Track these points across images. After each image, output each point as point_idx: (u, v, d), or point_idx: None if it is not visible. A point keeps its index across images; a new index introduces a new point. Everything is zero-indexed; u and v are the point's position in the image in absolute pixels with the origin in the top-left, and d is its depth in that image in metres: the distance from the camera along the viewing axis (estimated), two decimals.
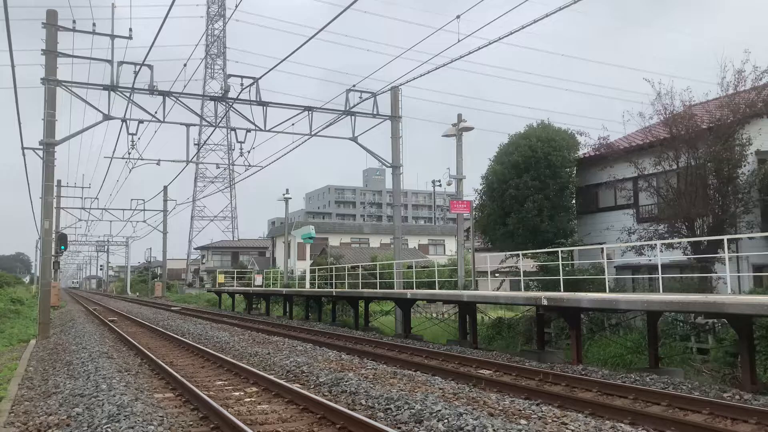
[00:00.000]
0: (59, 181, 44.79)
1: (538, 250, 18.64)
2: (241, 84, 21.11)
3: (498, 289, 23.45)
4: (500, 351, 15.96)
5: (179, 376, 10.64)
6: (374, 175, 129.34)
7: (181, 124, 22.86)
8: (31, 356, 15.21)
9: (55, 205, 34.74)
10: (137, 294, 77.87)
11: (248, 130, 22.77)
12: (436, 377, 11.19)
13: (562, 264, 15.73)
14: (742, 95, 16.77)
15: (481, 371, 12.20)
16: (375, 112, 23.60)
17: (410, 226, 68.15)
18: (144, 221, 56.08)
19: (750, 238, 15.78)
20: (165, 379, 11.24)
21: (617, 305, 12.17)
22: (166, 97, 21.31)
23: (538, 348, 14.92)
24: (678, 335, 14.96)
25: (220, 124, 48.19)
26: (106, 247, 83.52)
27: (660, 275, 13.16)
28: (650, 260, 17.17)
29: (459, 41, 16.10)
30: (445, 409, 7.79)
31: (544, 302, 13.01)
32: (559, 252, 15.92)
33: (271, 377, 10.62)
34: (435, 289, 21.20)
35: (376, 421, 7.47)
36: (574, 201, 21.17)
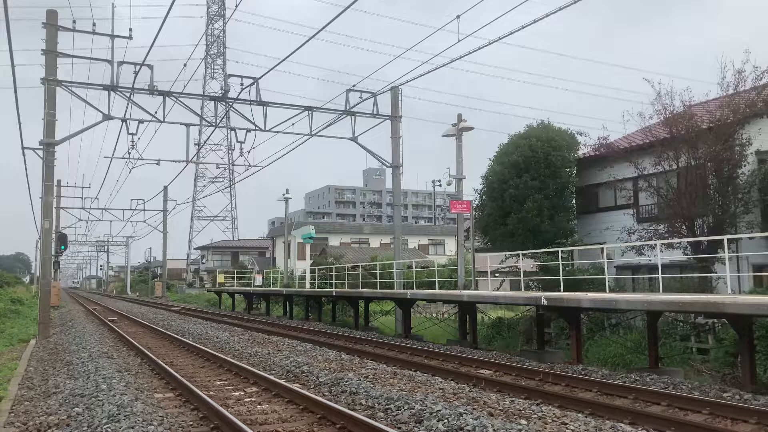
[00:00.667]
0: (59, 181, 44.75)
1: (538, 250, 18.64)
2: (241, 84, 21.12)
3: (498, 289, 23.44)
4: (500, 351, 15.96)
5: (179, 376, 10.64)
6: (374, 175, 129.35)
7: (181, 124, 22.86)
8: (31, 356, 15.20)
9: (55, 205, 34.74)
10: (137, 294, 77.88)
11: (248, 130, 22.76)
12: (436, 377, 11.20)
13: (562, 264, 15.72)
14: (742, 95, 16.77)
15: (481, 371, 12.20)
16: (375, 112, 23.60)
17: (410, 226, 68.18)
18: (144, 221, 56.10)
19: (750, 238, 15.78)
20: (165, 379, 11.24)
21: (617, 305, 12.17)
22: (166, 97, 21.30)
23: (538, 348, 14.92)
24: (678, 335, 14.96)
25: (220, 124, 48.18)
26: (106, 247, 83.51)
27: (660, 275, 13.15)
28: (650, 260, 17.17)
29: (459, 41, 16.11)
30: (445, 409, 7.79)
31: (544, 302, 13.01)
32: (559, 252, 15.92)
33: (271, 377, 10.62)
34: (435, 289, 21.20)
35: (376, 421, 7.47)
36: (574, 201, 21.17)
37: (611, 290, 15.90)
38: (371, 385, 9.84)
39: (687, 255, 16.88)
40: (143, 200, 53.06)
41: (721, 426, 7.80)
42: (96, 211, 51.32)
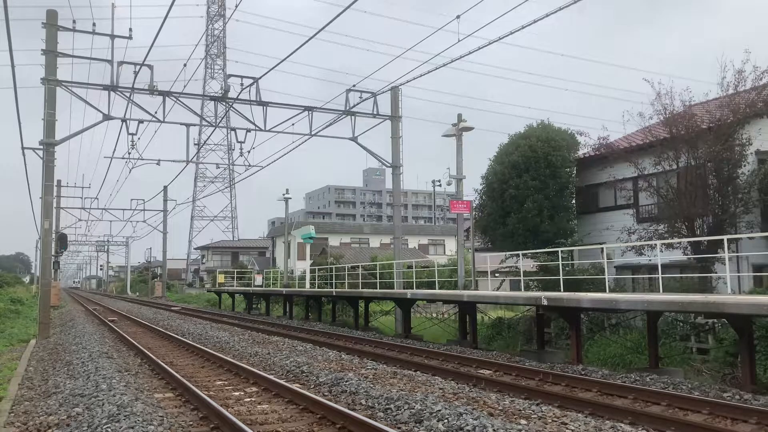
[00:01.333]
0: (59, 181, 44.75)
1: (538, 250, 18.64)
2: (241, 84, 21.12)
3: (498, 289, 23.43)
4: (500, 351, 15.96)
5: (179, 376, 10.64)
6: (374, 175, 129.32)
7: (181, 124, 22.87)
8: (31, 356, 15.20)
9: (55, 205, 34.75)
10: (137, 294, 77.87)
11: (248, 130, 22.77)
12: (436, 377, 11.20)
13: (562, 264, 15.72)
14: (742, 95, 16.77)
15: (481, 371, 12.20)
16: (375, 112, 23.61)
17: (410, 226, 68.17)
18: (144, 221, 56.16)
19: (750, 238, 15.78)
20: (165, 379, 11.24)
21: (617, 305, 12.17)
22: (166, 97, 21.31)
23: (538, 348, 14.92)
24: (678, 335, 14.95)
25: (220, 124, 48.20)
26: (106, 247, 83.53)
27: (660, 275, 13.15)
28: (650, 260, 17.16)
29: (459, 41, 16.10)
30: (445, 409, 7.79)
31: (544, 302, 13.01)
32: (559, 252, 15.92)
33: (271, 377, 10.62)
34: (435, 289, 21.20)
35: (376, 421, 7.47)
36: (574, 201, 21.18)
37: (611, 290, 15.89)
38: (371, 385, 9.84)
39: (687, 255, 16.88)
40: (143, 200, 53.13)
41: (721, 426, 7.80)
42: (96, 211, 51.43)
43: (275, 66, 19.08)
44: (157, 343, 17.85)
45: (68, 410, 8.45)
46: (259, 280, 38.32)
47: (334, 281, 27.96)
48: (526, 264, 20.39)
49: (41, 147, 20.56)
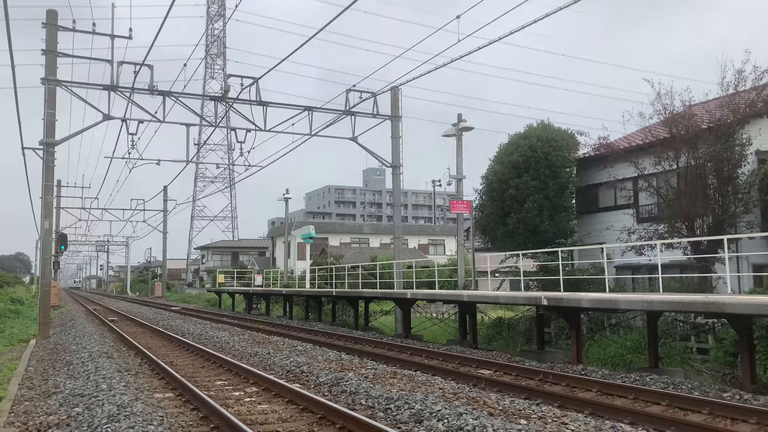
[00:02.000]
0: (59, 181, 44.77)
1: (538, 250, 18.64)
2: (241, 84, 21.11)
3: (498, 289, 23.44)
4: (500, 351, 15.96)
5: (179, 376, 10.64)
6: (374, 175, 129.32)
7: (181, 124, 22.86)
8: (31, 356, 15.20)
9: (55, 205, 34.75)
10: (137, 294, 77.85)
11: (248, 130, 22.76)
12: (436, 377, 11.20)
13: (562, 264, 15.72)
14: (742, 95, 16.76)
15: (481, 371, 12.20)
16: (375, 112, 23.60)
17: (410, 226, 68.18)
18: (144, 221, 56.15)
19: (750, 238, 15.78)
20: (165, 379, 11.24)
21: (617, 305, 12.17)
22: (166, 97, 21.29)
23: (538, 348, 14.92)
24: (678, 335, 14.95)
25: (220, 124, 48.17)
26: (106, 247, 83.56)
27: (660, 275, 13.15)
28: (650, 260, 17.16)
29: (459, 41, 16.10)
30: (445, 408, 7.79)
31: (544, 302, 13.01)
32: (559, 252, 15.92)
33: (271, 377, 10.62)
34: (435, 289, 21.20)
35: (376, 420, 7.47)
36: (574, 201, 21.18)
37: (611, 290, 15.90)
38: (371, 385, 9.84)
39: (687, 255, 16.88)
40: (143, 200, 53.16)
41: (721, 426, 7.80)
42: (96, 211, 51.38)
43: (275, 66, 19.09)
44: (157, 343, 17.85)
45: (68, 410, 8.45)
46: (259, 280, 38.31)
47: (334, 281, 27.96)
48: (526, 264, 20.40)
49: (41, 147, 20.55)
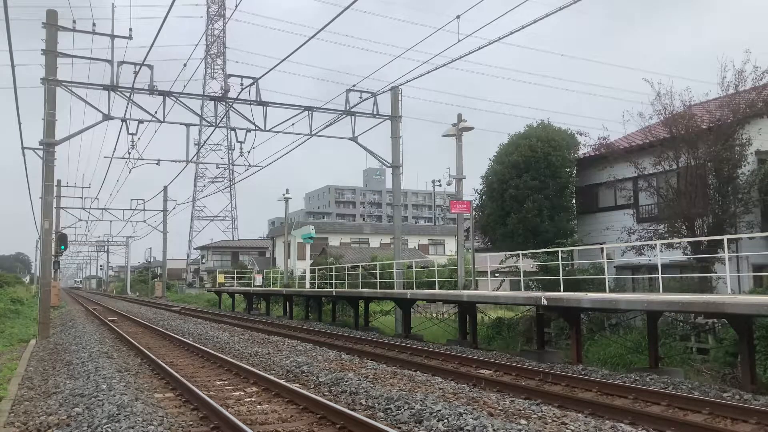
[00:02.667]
0: (59, 181, 44.72)
1: (538, 250, 18.64)
2: (241, 84, 21.11)
3: (498, 289, 23.44)
4: (500, 351, 15.96)
5: (179, 376, 10.64)
6: (374, 175, 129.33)
7: (181, 124, 22.86)
8: (31, 356, 15.20)
9: (55, 205, 34.73)
10: (137, 294, 77.87)
11: (248, 130, 22.76)
12: (436, 377, 11.20)
13: (562, 264, 15.72)
14: (743, 95, 16.77)
15: (481, 371, 12.20)
16: (375, 112, 23.59)
17: (410, 226, 68.16)
18: (144, 221, 56.11)
19: (750, 238, 15.78)
20: (165, 379, 11.24)
21: (617, 305, 12.17)
22: (166, 97, 21.29)
23: (538, 348, 14.92)
24: (678, 335, 14.96)
25: (220, 124, 48.15)
26: (106, 247, 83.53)
27: (660, 275, 13.15)
28: (650, 260, 17.16)
29: (459, 41, 16.10)
30: (445, 408, 7.79)
31: (544, 302, 13.01)
32: (559, 252, 15.92)
33: (271, 377, 10.63)
34: (435, 289, 21.19)
35: (376, 420, 7.47)
36: (574, 201, 21.18)
37: (611, 290, 15.90)
38: (371, 385, 9.84)
39: (687, 255, 16.88)
40: (143, 200, 53.05)
41: (721, 426, 7.80)
42: (96, 211, 51.36)
43: (275, 66, 19.08)
44: (157, 343, 17.84)
45: (68, 410, 8.45)
46: (259, 280, 38.32)
47: (334, 281, 27.96)
48: (526, 264, 20.39)
49: (41, 147, 20.55)
